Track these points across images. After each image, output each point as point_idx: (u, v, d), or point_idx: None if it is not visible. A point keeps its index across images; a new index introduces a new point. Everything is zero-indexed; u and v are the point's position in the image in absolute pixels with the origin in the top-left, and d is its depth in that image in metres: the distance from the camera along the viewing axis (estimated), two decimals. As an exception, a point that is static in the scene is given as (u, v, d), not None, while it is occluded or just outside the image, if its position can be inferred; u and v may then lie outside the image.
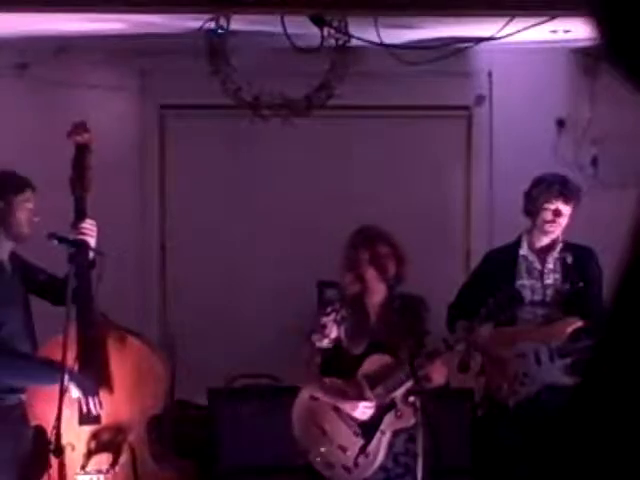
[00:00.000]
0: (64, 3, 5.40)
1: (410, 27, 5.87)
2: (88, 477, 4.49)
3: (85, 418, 4.53)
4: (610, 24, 1.04)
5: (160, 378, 4.70)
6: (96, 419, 4.54)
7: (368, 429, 4.67)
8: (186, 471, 4.87)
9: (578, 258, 5.13)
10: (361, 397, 4.66)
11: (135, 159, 6.80)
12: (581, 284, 5.06)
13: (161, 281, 6.90)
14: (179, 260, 6.85)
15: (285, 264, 6.68)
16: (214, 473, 5.79)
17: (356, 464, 4.66)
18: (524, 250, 5.19)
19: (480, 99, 6.77)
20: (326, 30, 5.77)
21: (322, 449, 4.72)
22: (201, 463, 5.46)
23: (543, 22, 5.52)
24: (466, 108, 6.84)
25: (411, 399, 4.55)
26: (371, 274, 4.74)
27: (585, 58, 6.39)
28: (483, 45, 6.05)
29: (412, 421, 4.59)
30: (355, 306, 4.81)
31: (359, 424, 4.69)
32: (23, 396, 4.52)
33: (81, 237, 4.56)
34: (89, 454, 4.53)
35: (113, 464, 4.53)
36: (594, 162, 6.55)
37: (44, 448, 4.38)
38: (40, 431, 4.48)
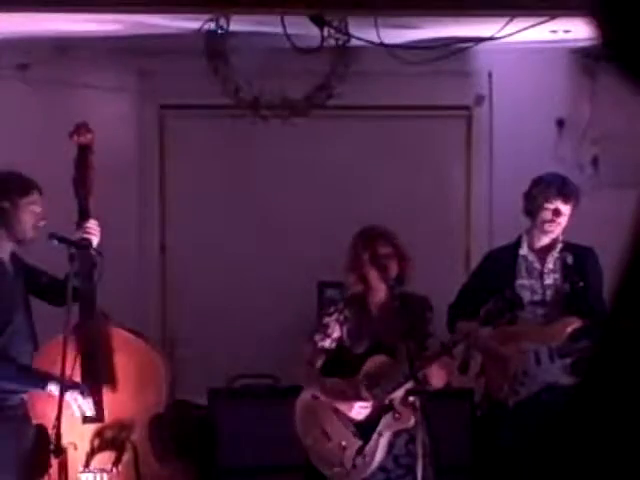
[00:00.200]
0: (64, 3, 5.40)
1: (410, 27, 5.87)
2: (92, 475, 4.51)
3: (88, 416, 4.54)
4: (610, 24, 1.04)
5: (162, 377, 4.72)
6: (99, 417, 4.55)
7: (366, 430, 4.68)
8: (186, 471, 4.88)
9: (578, 258, 5.13)
10: (359, 397, 4.66)
11: (135, 159, 6.80)
12: (581, 284, 5.06)
13: (161, 281, 6.90)
14: (179, 260, 6.85)
15: (285, 264, 6.68)
16: (214, 473, 5.80)
17: (354, 465, 4.67)
18: (524, 250, 5.19)
19: (480, 99, 6.77)
20: (326, 30, 5.78)
21: (322, 449, 4.72)
22: (201, 463, 5.47)
23: (543, 22, 5.52)
24: (466, 108, 6.84)
25: (411, 399, 4.55)
26: (373, 274, 4.74)
27: (585, 58, 6.39)
28: (483, 45, 6.05)
29: (410, 423, 4.60)
30: (358, 306, 4.81)
31: (357, 425, 4.69)
32: (25, 396, 4.52)
33: (86, 237, 4.58)
34: (92, 453, 4.55)
35: (116, 462, 4.55)
36: (594, 162, 6.55)
37: (45, 447, 4.39)
38: (41, 430, 4.49)
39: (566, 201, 5.08)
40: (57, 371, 4.30)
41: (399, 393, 4.62)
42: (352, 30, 5.84)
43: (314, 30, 5.70)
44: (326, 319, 4.83)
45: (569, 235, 5.18)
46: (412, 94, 6.67)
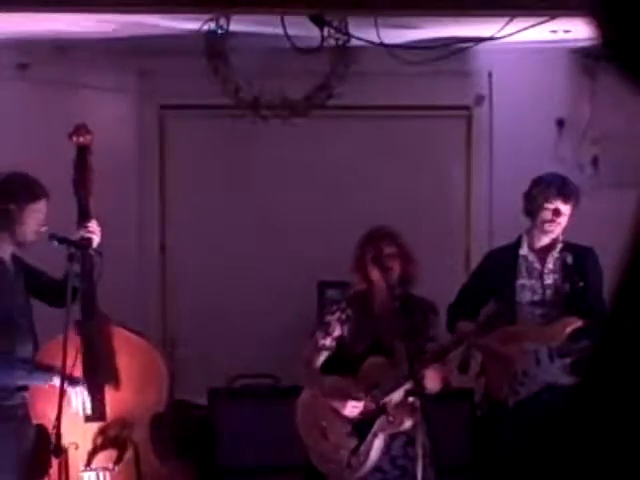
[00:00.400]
0: (64, 3, 5.40)
1: (410, 27, 5.87)
2: (94, 473, 4.52)
3: (90, 415, 4.55)
4: (610, 24, 1.04)
5: (163, 376, 4.76)
6: (102, 415, 4.56)
7: (362, 430, 4.69)
8: (186, 471, 4.88)
9: (578, 258, 5.13)
10: (356, 397, 4.67)
11: (135, 159, 6.80)
12: (581, 284, 5.06)
13: (161, 281, 6.90)
14: (179, 260, 6.85)
15: (285, 264, 6.68)
16: (214, 473, 5.80)
17: (349, 464, 4.68)
18: (524, 250, 5.19)
19: (480, 99, 6.77)
20: (326, 30, 5.77)
21: (320, 448, 4.74)
22: (201, 463, 5.47)
23: (543, 22, 5.52)
24: (466, 108, 6.84)
25: (410, 400, 4.56)
26: (376, 273, 4.74)
27: (585, 58, 6.39)
28: (483, 45, 6.05)
29: (405, 426, 4.61)
30: (360, 306, 4.82)
31: (353, 424, 4.70)
32: (26, 395, 4.52)
33: (88, 237, 4.59)
34: (94, 451, 4.56)
35: (117, 461, 4.56)
36: (594, 162, 6.55)
37: (46, 447, 4.39)
38: (42, 430, 4.50)
39: (566, 201, 5.08)
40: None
41: (396, 395, 4.62)
42: (352, 30, 5.83)
43: (314, 30, 5.69)
44: (328, 317, 4.85)
45: (569, 235, 5.18)
46: (412, 94, 6.67)
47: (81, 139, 4.69)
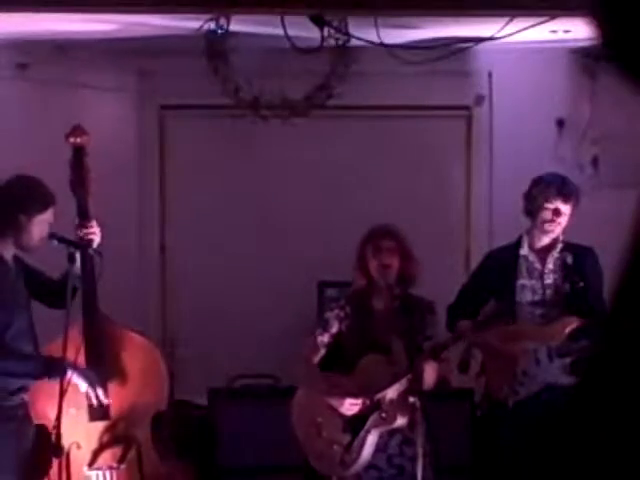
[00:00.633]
0: (64, 3, 5.40)
1: (410, 27, 5.87)
2: (101, 472, 4.54)
3: (95, 413, 4.56)
4: (610, 24, 1.04)
5: (164, 375, 4.78)
6: (106, 414, 4.57)
7: (355, 427, 4.70)
8: (186, 471, 4.89)
9: (578, 258, 5.13)
10: (352, 394, 4.68)
11: (135, 159, 6.81)
12: (581, 284, 5.06)
13: (161, 281, 6.90)
14: (179, 260, 6.85)
15: (285, 264, 6.68)
16: (214, 473, 5.80)
17: (341, 460, 4.69)
18: (524, 250, 5.19)
19: (480, 99, 6.78)
20: (326, 30, 5.77)
21: (313, 443, 4.75)
22: (201, 463, 5.47)
23: (543, 22, 5.52)
24: (466, 108, 6.84)
25: (411, 400, 4.56)
26: (374, 269, 4.75)
27: (585, 58, 6.39)
28: (483, 45, 6.05)
29: (398, 423, 4.62)
30: (359, 303, 4.84)
31: (348, 421, 4.71)
32: (26, 396, 4.52)
33: (89, 238, 4.59)
34: (97, 451, 4.57)
35: (121, 460, 4.57)
36: (594, 162, 6.55)
37: (47, 448, 4.40)
38: (42, 431, 4.50)
39: (566, 201, 5.08)
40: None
41: (390, 392, 4.63)
42: (352, 30, 5.83)
43: (314, 30, 5.69)
44: (327, 314, 4.88)
45: (569, 235, 5.18)
46: (412, 94, 6.67)
47: (78, 140, 4.69)
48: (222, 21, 5.90)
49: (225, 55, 6.09)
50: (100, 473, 4.54)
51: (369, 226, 4.89)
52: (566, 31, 5.88)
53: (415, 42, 6.07)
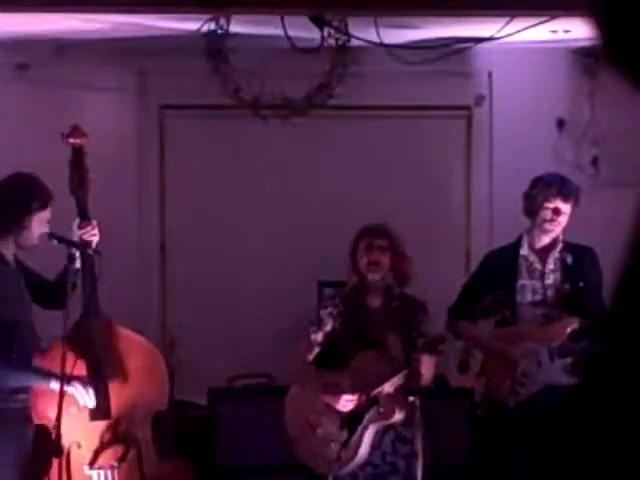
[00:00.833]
0: (64, 3, 5.40)
1: (410, 27, 5.87)
2: (103, 472, 4.54)
3: (96, 413, 4.56)
4: (610, 24, 1.04)
5: (164, 375, 4.78)
6: (107, 413, 4.57)
7: (352, 423, 4.70)
8: (186, 471, 4.89)
9: (578, 258, 5.13)
10: (347, 390, 4.69)
11: (135, 159, 6.80)
12: (581, 284, 5.06)
13: (161, 281, 6.90)
14: (179, 260, 6.85)
15: (285, 264, 6.68)
16: (214, 473, 5.80)
17: (338, 457, 4.70)
18: (524, 250, 5.19)
19: (480, 99, 6.77)
20: (326, 30, 5.78)
21: (307, 441, 4.76)
22: (201, 463, 5.47)
23: (543, 22, 5.52)
24: (466, 108, 6.84)
25: (411, 399, 4.57)
26: (363, 265, 4.79)
27: (585, 58, 6.39)
28: (483, 45, 6.05)
29: (395, 418, 4.64)
30: (352, 301, 4.86)
31: (344, 418, 4.72)
32: (28, 397, 4.52)
33: (89, 238, 4.59)
34: (97, 450, 4.57)
35: (122, 459, 4.57)
36: (594, 162, 6.55)
37: (47, 448, 4.40)
38: (43, 431, 4.50)
39: (566, 200, 5.07)
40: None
41: (386, 388, 4.64)
42: (352, 30, 5.83)
43: (314, 30, 5.70)
44: (321, 312, 4.90)
45: (569, 235, 5.18)
46: (412, 94, 6.67)
47: (77, 140, 4.69)
48: (222, 21, 5.90)
49: (225, 55, 6.09)
50: (102, 472, 4.54)
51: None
52: (566, 31, 5.88)
53: (415, 42, 6.07)
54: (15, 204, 4.48)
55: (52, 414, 4.34)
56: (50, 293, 4.63)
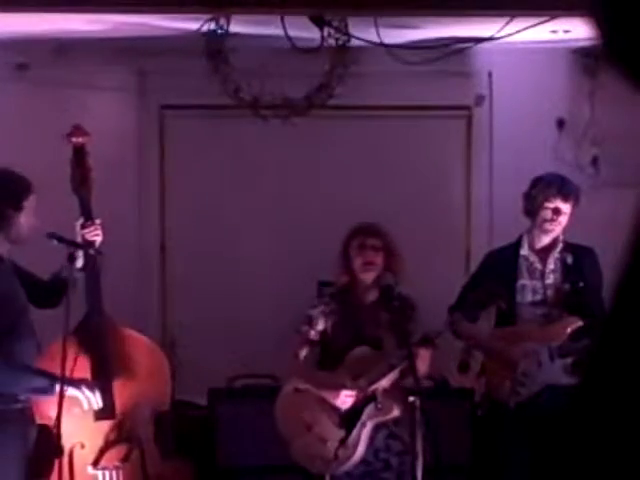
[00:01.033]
0: (64, 3, 5.40)
1: (410, 27, 5.87)
2: (107, 472, 4.54)
3: (99, 413, 4.56)
4: (610, 24, 1.04)
5: (167, 376, 4.79)
6: (110, 413, 4.57)
7: (349, 421, 4.70)
8: (186, 471, 4.90)
9: (578, 258, 5.13)
10: (343, 388, 4.70)
11: (135, 159, 6.80)
12: (581, 284, 5.07)
13: (161, 281, 6.90)
14: (179, 260, 6.85)
15: (285, 264, 6.68)
16: (214, 473, 5.79)
17: (336, 456, 4.69)
18: (525, 250, 5.19)
19: (480, 99, 6.77)
20: (326, 30, 5.78)
21: (303, 441, 4.75)
22: (201, 463, 5.46)
23: (543, 22, 5.52)
24: (466, 108, 6.84)
25: (411, 399, 4.57)
26: (357, 265, 4.79)
27: (585, 58, 6.39)
28: (483, 45, 6.05)
29: (393, 414, 4.65)
30: (343, 299, 4.87)
31: (341, 416, 4.72)
32: (30, 397, 4.52)
33: (92, 238, 4.59)
34: (101, 450, 4.57)
35: (125, 459, 4.57)
36: (594, 162, 6.55)
37: (50, 449, 4.40)
38: (46, 432, 4.50)
39: (566, 200, 5.08)
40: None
41: (383, 383, 4.65)
42: (352, 30, 5.84)
43: (314, 30, 5.70)
44: (311, 311, 4.90)
45: (569, 235, 5.18)
46: (412, 94, 6.67)
47: (79, 139, 4.69)
48: (222, 21, 5.90)
49: (225, 55, 6.09)
50: (107, 472, 4.55)
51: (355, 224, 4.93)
52: (566, 31, 5.88)
53: (415, 42, 6.07)
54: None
55: (54, 414, 4.33)
56: (45, 292, 4.63)
